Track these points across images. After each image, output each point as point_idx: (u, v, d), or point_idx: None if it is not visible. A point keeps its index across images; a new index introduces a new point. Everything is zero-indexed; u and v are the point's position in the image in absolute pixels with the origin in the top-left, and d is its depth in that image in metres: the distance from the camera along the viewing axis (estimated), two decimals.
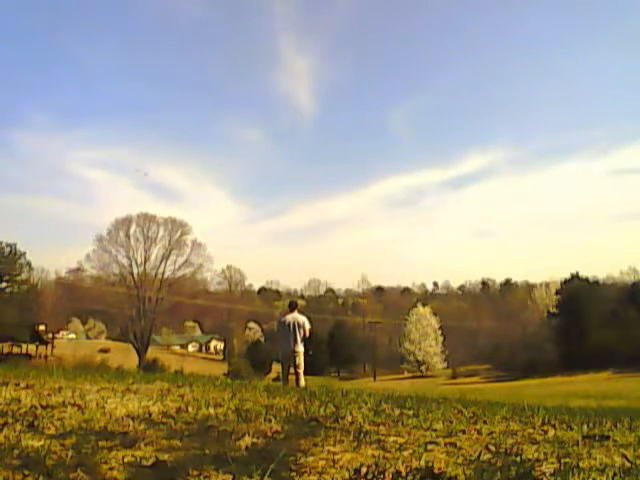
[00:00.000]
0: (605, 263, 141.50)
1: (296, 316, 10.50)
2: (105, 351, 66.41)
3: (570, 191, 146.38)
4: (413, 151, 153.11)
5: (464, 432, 3.16)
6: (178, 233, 62.79)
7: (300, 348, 10.36)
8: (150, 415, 3.51)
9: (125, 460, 2.34)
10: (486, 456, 2.50)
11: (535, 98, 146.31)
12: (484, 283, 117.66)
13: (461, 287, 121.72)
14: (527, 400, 6.70)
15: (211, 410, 3.77)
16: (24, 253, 60.93)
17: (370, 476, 2.13)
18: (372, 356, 73.06)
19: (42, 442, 2.60)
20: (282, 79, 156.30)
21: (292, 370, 10.47)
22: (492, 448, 2.70)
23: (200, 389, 5.34)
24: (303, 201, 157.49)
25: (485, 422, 3.64)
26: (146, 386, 5.44)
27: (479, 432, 3.19)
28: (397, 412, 3.95)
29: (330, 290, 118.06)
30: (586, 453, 2.61)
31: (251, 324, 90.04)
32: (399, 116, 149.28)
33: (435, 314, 74.99)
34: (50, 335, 63.52)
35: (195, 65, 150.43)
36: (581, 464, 2.36)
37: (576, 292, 60.68)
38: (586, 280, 65.94)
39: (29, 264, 62.13)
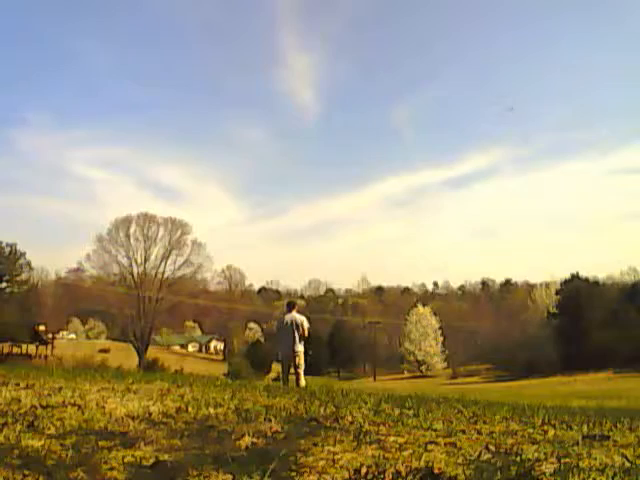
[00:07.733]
0: (605, 263, 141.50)
1: (295, 316, 10.48)
2: (105, 351, 66.34)
3: (570, 191, 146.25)
4: (414, 151, 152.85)
5: (464, 432, 3.16)
6: (178, 233, 62.82)
7: (300, 348, 10.34)
8: (150, 415, 3.51)
9: (125, 460, 2.34)
10: (486, 456, 2.50)
11: (536, 98, 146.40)
12: (484, 283, 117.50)
13: (461, 287, 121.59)
14: (527, 400, 6.71)
15: (211, 410, 3.77)
16: (24, 253, 61.09)
17: (370, 476, 2.13)
18: (372, 356, 73.05)
19: (42, 442, 2.60)
20: (284, 78, 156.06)
21: (292, 370, 10.46)
22: (492, 448, 2.70)
23: (200, 389, 5.33)
24: (303, 201, 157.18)
25: (485, 422, 3.64)
26: (146, 386, 5.44)
27: (479, 432, 3.19)
28: (397, 412, 3.95)
29: (330, 290, 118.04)
30: (586, 453, 2.61)
31: (251, 324, 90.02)
32: (401, 115, 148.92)
33: (435, 314, 75.03)
34: (50, 335, 63.55)
35: (196, 64, 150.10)
36: (581, 464, 2.36)
37: (576, 292, 60.66)
38: (586, 280, 65.86)
39: (29, 264, 62.28)
